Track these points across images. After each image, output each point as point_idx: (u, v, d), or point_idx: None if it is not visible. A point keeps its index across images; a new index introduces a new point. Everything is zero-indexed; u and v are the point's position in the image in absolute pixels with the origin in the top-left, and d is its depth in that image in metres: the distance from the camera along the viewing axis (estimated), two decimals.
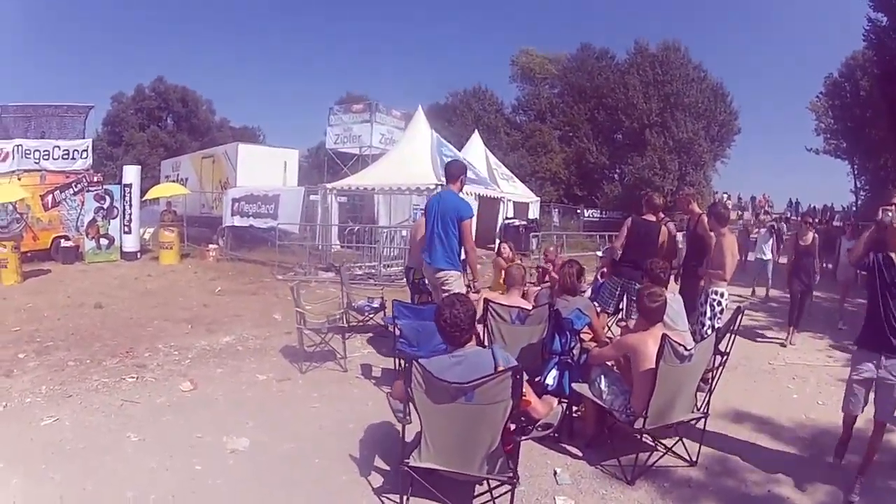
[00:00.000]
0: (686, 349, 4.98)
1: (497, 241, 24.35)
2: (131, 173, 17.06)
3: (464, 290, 6.90)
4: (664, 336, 4.84)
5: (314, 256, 17.15)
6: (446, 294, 6.78)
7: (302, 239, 17.63)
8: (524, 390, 3.96)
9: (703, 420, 5.48)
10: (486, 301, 6.28)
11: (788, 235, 27.44)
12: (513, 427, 3.95)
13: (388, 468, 4.78)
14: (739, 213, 54.32)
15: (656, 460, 5.33)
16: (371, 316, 9.23)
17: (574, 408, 5.89)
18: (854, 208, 43.06)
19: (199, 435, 5.16)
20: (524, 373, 3.93)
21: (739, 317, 6.40)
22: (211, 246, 18.29)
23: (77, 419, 5.35)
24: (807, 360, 9.38)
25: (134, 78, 63.92)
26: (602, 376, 5.50)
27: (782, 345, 9.86)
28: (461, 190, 7.35)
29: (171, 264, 15.91)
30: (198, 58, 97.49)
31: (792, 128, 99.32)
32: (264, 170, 23.76)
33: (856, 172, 42.69)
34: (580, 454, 5.43)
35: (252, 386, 6.66)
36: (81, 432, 5.08)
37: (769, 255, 14.38)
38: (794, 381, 8.30)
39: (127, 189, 16.48)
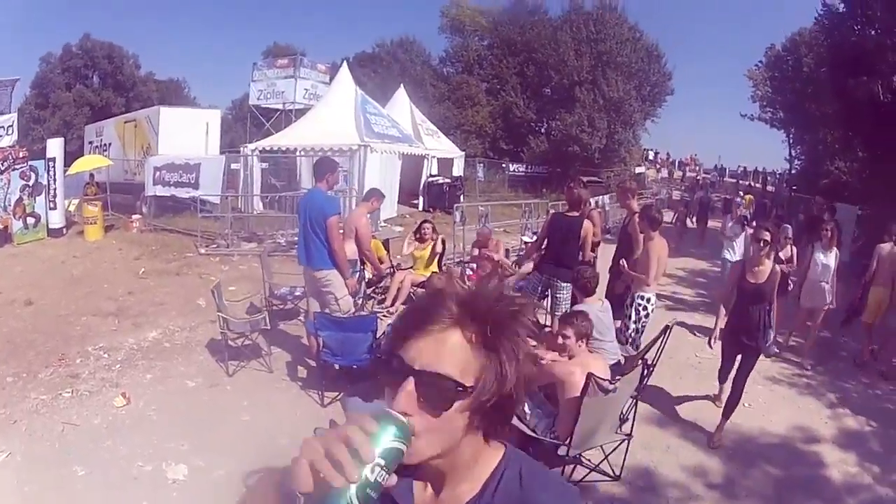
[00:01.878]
0: (611, 383, 5.01)
1: (420, 198, 25.08)
2: (55, 147, 16.68)
3: (345, 292, 7.14)
4: (589, 375, 4.83)
5: (237, 223, 17.15)
6: (330, 297, 7.11)
7: (224, 209, 17.53)
8: None
9: (627, 441, 5.59)
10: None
11: (717, 200, 28.21)
12: None
13: None
14: (669, 169, 55.80)
15: (581, 477, 5.41)
16: (294, 303, 9.45)
17: None
18: (787, 175, 44.44)
19: (140, 464, 5.26)
20: None
21: (667, 334, 6.50)
22: (134, 217, 18.17)
23: (26, 451, 5.43)
24: None
25: (63, 38, 61.54)
26: (526, 399, 5.39)
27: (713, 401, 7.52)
28: (331, 188, 7.41)
29: (96, 240, 15.82)
30: (124, 10, 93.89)
31: (726, 93, 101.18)
32: (187, 133, 23.34)
33: (791, 142, 43.72)
34: None
35: (183, 395, 6.78)
36: (33, 468, 5.16)
37: (737, 257, 10.81)
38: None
39: (51, 163, 16.17)
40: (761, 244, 6.26)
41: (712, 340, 6.61)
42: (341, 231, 7.52)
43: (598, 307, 6.45)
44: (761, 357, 7.47)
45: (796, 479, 5.88)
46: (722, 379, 7.01)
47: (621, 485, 5.48)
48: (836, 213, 14.24)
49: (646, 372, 5.83)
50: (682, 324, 10.39)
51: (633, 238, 7.90)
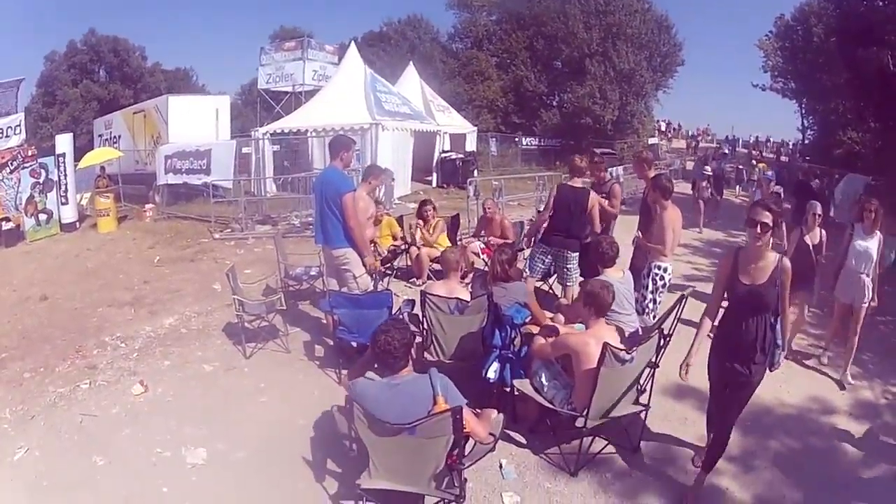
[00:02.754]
0: (628, 353, 4.90)
1: (434, 174, 25.11)
2: (64, 142, 16.60)
3: (362, 270, 7.10)
4: (605, 344, 4.73)
5: (250, 206, 17.07)
6: (348, 275, 7.10)
7: (237, 194, 17.51)
8: (465, 420, 3.96)
9: (644, 412, 5.52)
10: (423, 293, 6.28)
11: (730, 170, 27.82)
12: (455, 453, 4.00)
13: (340, 470, 4.91)
14: (688, 141, 55.41)
15: (599, 450, 5.41)
16: (310, 283, 9.37)
17: (517, 391, 5.76)
18: (800, 145, 44.10)
19: (158, 450, 5.27)
20: (462, 400, 4.05)
21: (683, 303, 6.23)
22: (147, 206, 18.14)
23: (45, 446, 5.41)
24: None
25: (68, 35, 61.83)
26: (543, 369, 5.50)
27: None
28: (346, 166, 7.33)
29: (110, 231, 15.80)
30: (127, 4, 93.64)
31: (738, 63, 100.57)
32: (196, 120, 23.23)
33: (803, 112, 43.33)
34: (524, 442, 5.55)
35: (200, 380, 6.76)
36: (52, 462, 5.14)
37: None
38: None
39: (61, 159, 16.10)
40: (758, 229, 4.38)
41: (684, 371, 4.97)
42: None
43: (617, 278, 6.27)
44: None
45: (813, 450, 5.88)
46: (710, 425, 5.41)
47: (640, 457, 5.49)
48: (823, 180, 14.20)
49: (662, 342, 5.70)
50: (699, 294, 10.16)
51: (653, 209, 7.68)
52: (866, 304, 7.50)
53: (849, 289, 7.53)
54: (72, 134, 18.28)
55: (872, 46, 18.26)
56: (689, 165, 32.02)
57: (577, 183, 8.05)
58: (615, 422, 5.38)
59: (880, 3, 19.16)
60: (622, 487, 5.06)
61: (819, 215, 7.93)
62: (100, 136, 28.72)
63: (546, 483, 5.03)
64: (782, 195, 13.70)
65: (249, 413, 5.99)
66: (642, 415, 5.58)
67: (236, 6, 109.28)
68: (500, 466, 5.15)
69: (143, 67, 49.07)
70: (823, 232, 7.93)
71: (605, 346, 4.73)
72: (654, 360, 5.61)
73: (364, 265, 7.12)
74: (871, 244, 7.37)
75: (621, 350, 4.89)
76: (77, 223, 16.45)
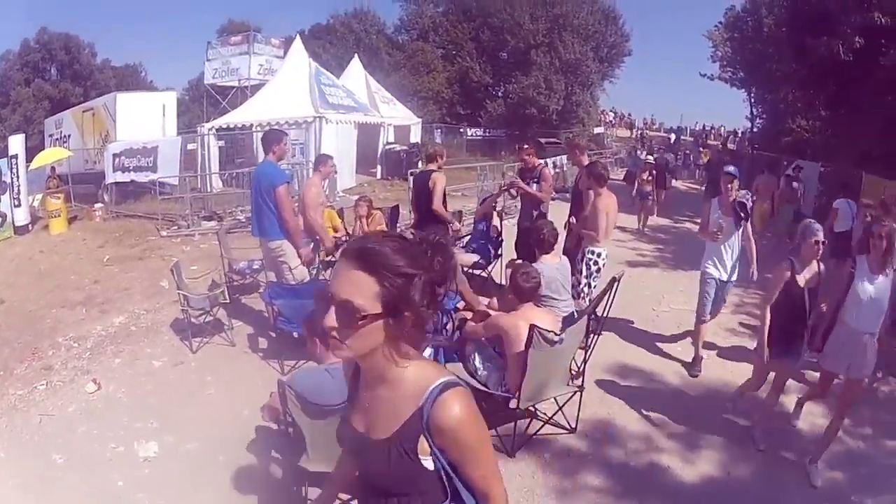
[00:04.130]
0: (556, 335, 4.99)
1: (378, 167, 25.28)
2: (16, 143, 16.63)
3: (298, 261, 7.29)
4: (532, 326, 4.82)
5: (196, 203, 17.31)
6: (285, 266, 7.27)
7: (183, 190, 17.72)
8: None
9: (579, 393, 5.60)
10: None
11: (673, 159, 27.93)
12: None
13: (283, 457, 5.09)
14: (629, 129, 56.08)
15: (536, 430, 5.57)
16: (253, 277, 9.65)
17: None
18: (749, 133, 44.97)
19: (113, 445, 5.47)
20: None
21: (616, 285, 6.64)
22: (97, 205, 18.25)
23: (8, 447, 5.60)
24: (692, 307, 7.83)
25: (22, 34, 60.89)
26: (476, 353, 5.58)
27: None
28: (280, 159, 7.49)
29: (61, 233, 15.91)
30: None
31: (686, 53, 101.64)
32: (144, 117, 23.40)
33: (752, 101, 44.13)
34: None
35: (150, 376, 6.98)
36: (14, 463, 5.33)
37: (724, 273, 7.14)
38: (678, 329, 8.44)
39: (13, 161, 16.12)
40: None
41: (764, 352, 5.39)
42: (294, 202, 7.67)
43: (554, 264, 6.43)
44: (723, 307, 7.83)
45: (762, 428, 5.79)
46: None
47: (578, 437, 5.62)
48: (730, 164, 14.62)
49: (594, 324, 6.08)
50: (638, 276, 10.77)
51: (585, 195, 7.89)
52: (866, 377, 5.62)
53: (843, 353, 5.26)
54: (24, 135, 18.27)
55: (823, 36, 18.64)
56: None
57: (431, 166, 8.54)
58: (552, 404, 5.63)
59: None
60: (561, 467, 5.19)
61: (822, 243, 5.40)
62: (50, 135, 28.70)
63: None
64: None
65: (197, 406, 6.23)
66: (577, 396, 5.65)
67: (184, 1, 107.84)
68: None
69: (93, 64, 48.49)
70: (822, 267, 5.45)
71: (532, 328, 4.83)
72: (586, 341, 5.91)
73: (299, 256, 7.31)
74: (883, 287, 5.14)
75: (549, 332, 4.96)
76: (30, 225, 16.49)
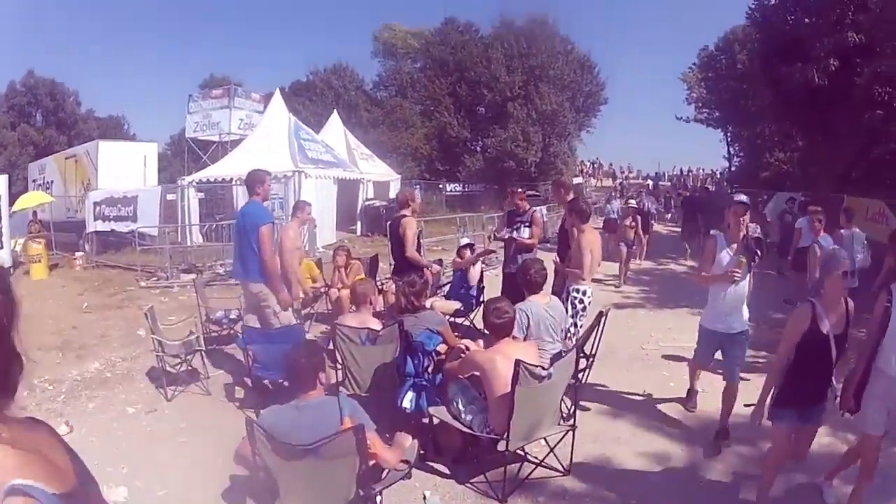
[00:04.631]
0: (544, 369, 4.87)
1: (358, 223, 25.30)
2: None
3: (279, 308, 7.19)
4: (518, 362, 4.63)
5: (176, 256, 17.37)
6: (269, 311, 7.15)
7: (162, 241, 17.86)
8: (371, 443, 3.89)
9: (571, 432, 5.43)
10: (335, 324, 6.23)
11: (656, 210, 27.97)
12: (366, 473, 3.96)
13: None
14: (610, 178, 56.59)
15: (528, 474, 5.35)
16: (230, 328, 9.54)
17: (436, 421, 5.60)
18: (727, 173, 45.63)
19: None
20: (369, 423, 4.01)
21: (603, 320, 6.54)
22: (77, 254, 18.46)
23: None
24: (682, 343, 8.80)
25: (9, 74, 61.61)
26: (459, 395, 5.39)
27: None
28: (265, 199, 7.43)
29: (42, 279, 16.09)
30: (64, 45, 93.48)
31: (661, 96, 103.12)
32: (125, 166, 23.79)
33: (729, 140, 44.91)
34: (448, 472, 5.44)
35: (123, 422, 6.92)
36: None
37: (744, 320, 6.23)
38: (669, 366, 8.46)
39: None
40: (845, 278, 4.41)
41: (759, 418, 4.65)
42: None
43: (543, 304, 6.27)
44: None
45: (764, 455, 5.43)
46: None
47: (573, 479, 5.39)
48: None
49: (584, 360, 6.07)
50: (627, 318, 10.80)
51: (571, 234, 7.75)
52: None
53: (884, 410, 4.35)
54: (7, 176, 18.49)
55: (797, 63, 18.91)
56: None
57: (403, 212, 8.50)
58: (542, 444, 5.45)
59: (805, 20, 19.81)
60: None
61: (850, 275, 4.92)
62: (34, 181, 29.02)
63: None
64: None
65: (170, 453, 6.11)
66: (570, 437, 5.46)
67: (168, 55, 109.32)
68: (424, 498, 5.05)
69: (77, 113, 48.96)
70: (851, 305, 4.54)
71: (518, 363, 4.62)
72: (575, 377, 5.75)
73: (277, 300, 7.18)
74: None
75: (536, 367, 4.81)
76: (11, 269, 16.49)
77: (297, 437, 3.81)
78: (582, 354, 6.12)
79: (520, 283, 6.56)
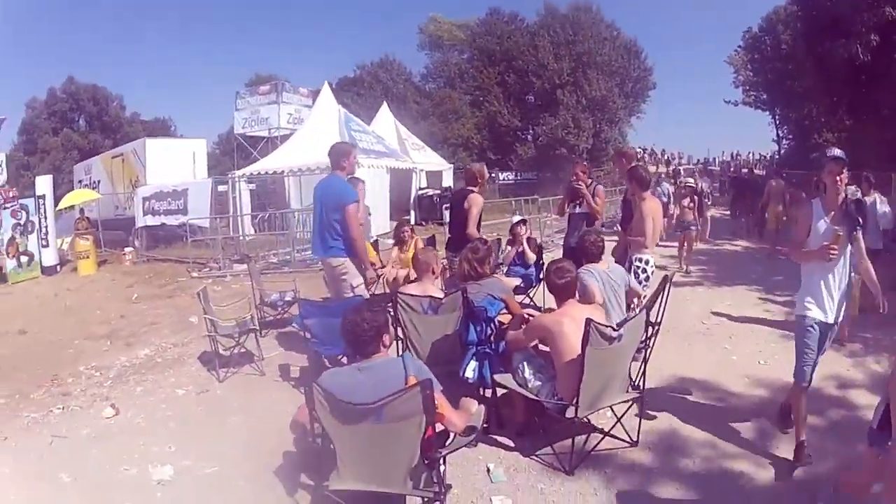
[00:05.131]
0: (614, 330, 4.65)
1: (412, 212, 25.04)
2: (43, 184, 16.79)
3: (361, 280, 6.82)
4: (588, 321, 4.45)
5: (228, 248, 17.25)
6: (346, 285, 6.76)
7: (214, 232, 17.77)
8: (438, 403, 3.61)
9: (639, 400, 5.30)
10: (396, 293, 6.02)
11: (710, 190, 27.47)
12: (431, 438, 3.67)
13: (313, 483, 4.49)
14: (665, 165, 55.65)
15: (595, 445, 5.10)
16: (285, 310, 9.32)
17: (499, 394, 5.55)
18: (777, 156, 44.69)
19: (125, 467, 5.17)
20: (436, 382, 3.59)
21: (668, 285, 6.21)
22: (127, 249, 18.37)
23: (15, 465, 5.36)
24: (742, 317, 9.16)
25: (47, 81, 62.98)
26: (525, 363, 5.19)
27: None
28: (351, 173, 7.17)
29: (90, 274, 15.98)
30: (105, 51, 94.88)
31: (709, 81, 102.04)
32: (174, 163, 23.65)
33: (777, 122, 44.23)
34: (512, 445, 5.24)
35: (172, 403, 6.69)
36: (21, 480, 5.09)
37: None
38: (731, 340, 8.19)
39: (41, 201, 16.26)
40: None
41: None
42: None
43: (603, 269, 6.18)
44: (772, 316, 7.84)
45: (834, 424, 5.57)
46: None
47: (641, 450, 5.15)
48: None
49: (650, 328, 5.60)
50: (686, 296, 10.50)
51: (633, 205, 7.54)
52: None
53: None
54: (51, 176, 18.66)
55: (841, 39, 18.65)
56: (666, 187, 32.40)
57: (470, 187, 8.02)
58: (609, 417, 5.27)
59: None
60: (626, 483, 4.74)
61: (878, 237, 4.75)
62: (80, 181, 29.25)
63: (539, 484, 4.70)
64: None
65: (220, 432, 5.88)
66: (637, 407, 5.38)
67: (213, 55, 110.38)
68: (489, 471, 4.84)
69: (122, 117, 50.03)
70: None
71: (589, 322, 4.45)
72: (644, 342, 5.44)
73: (364, 279, 6.92)
74: None
75: (607, 327, 4.64)
76: (58, 266, 16.61)
77: (360, 398, 3.53)
78: (648, 323, 5.52)
79: (579, 256, 6.32)
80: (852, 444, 4.97)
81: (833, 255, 4.58)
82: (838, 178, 4.67)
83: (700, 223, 15.81)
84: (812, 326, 4.89)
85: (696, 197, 15.23)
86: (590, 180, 8.79)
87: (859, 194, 5.92)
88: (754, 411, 5.90)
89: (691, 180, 17.20)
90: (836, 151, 4.92)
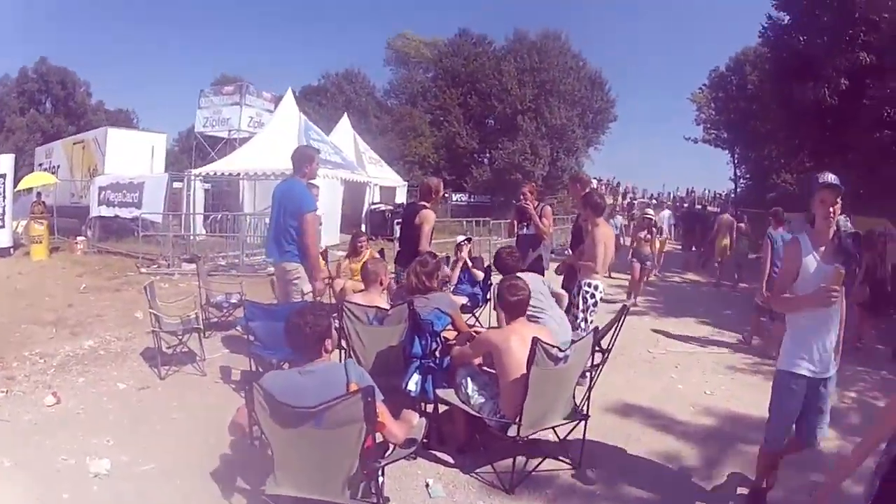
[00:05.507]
0: (561, 350, 4.62)
1: (363, 225, 24.68)
2: (5, 163, 16.75)
3: (310, 287, 6.85)
4: (535, 339, 4.45)
5: (178, 247, 17.30)
6: (296, 290, 6.81)
7: (166, 229, 17.84)
8: (379, 412, 3.61)
9: (583, 422, 5.21)
10: (342, 301, 6.04)
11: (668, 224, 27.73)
12: (370, 448, 3.67)
13: (249, 487, 4.45)
14: (620, 196, 56.35)
15: (536, 465, 5.12)
16: (230, 312, 9.44)
17: (441, 411, 5.59)
18: (733, 195, 45.74)
19: (64, 457, 5.21)
20: (377, 391, 3.59)
21: (624, 315, 6.16)
22: (79, 238, 18.42)
23: None
24: (689, 348, 9.46)
25: (22, 60, 62.07)
26: (469, 379, 5.21)
27: None
28: (312, 178, 7.18)
29: (41, 259, 16.10)
30: (79, 35, 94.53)
31: (670, 117, 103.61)
32: (133, 155, 23.74)
33: (736, 162, 45.19)
34: (453, 461, 5.24)
35: (113, 397, 6.71)
36: None
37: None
38: (677, 369, 8.40)
39: (1, 180, 16.28)
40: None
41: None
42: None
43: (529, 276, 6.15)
44: (719, 349, 8.49)
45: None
46: None
47: (582, 473, 5.14)
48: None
49: (599, 355, 5.66)
50: (633, 324, 10.29)
51: (585, 230, 7.57)
52: None
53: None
54: (13, 155, 18.43)
55: (809, 82, 19.02)
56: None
57: (422, 202, 8.07)
58: (552, 436, 5.28)
59: (818, 40, 19.87)
60: None
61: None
62: (40, 164, 29.27)
63: (479, 502, 4.75)
64: None
65: (159, 430, 5.93)
66: (581, 429, 5.26)
67: (182, 52, 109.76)
68: (427, 486, 4.85)
69: (87, 104, 49.70)
70: None
71: (536, 341, 4.44)
72: (591, 365, 5.45)
73: (313, 287, 6.92)
74: None
75: (554, 347, 4.59)
76: (11, 249, 16.67)
77: (300, 401, 3.52)
78: (598, 349, 5.74)
79: (498, 270, 6.69)
80: (806, 473, 5.20)
81: (835, 298, 3.98)
82: (832, 208, 4.10)
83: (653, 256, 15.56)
84: (797, 384, 4.25)
85: (653, 229, 14.85)
86: (537, 202, 8.96)
87: (850, 225, 5.37)
88: (700, 439, 6.06)
89: (651, 211, 16.23)
90: (830, 177, 4.13)
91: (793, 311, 4.35)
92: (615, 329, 6.10)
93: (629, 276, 13.73)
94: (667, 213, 20.61)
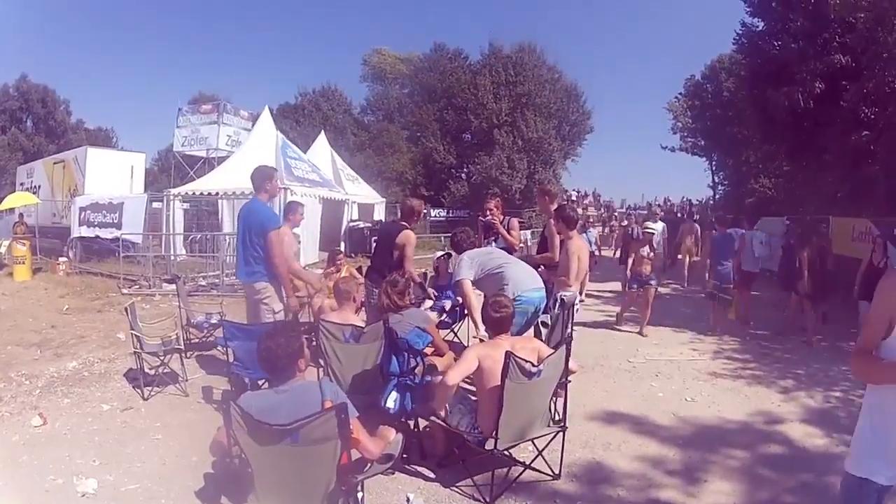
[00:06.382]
0: (533, 365, 4.66)
1: (342, 243, 24.97)
2: None
3: (281, 307, 6.84)
4: (508, 353, 4.51)
5: (159, 267, 17.48)
6: (267, 310, 6.78)
7: (146, 249, 18.00)
8: (353, 428, 3.66)
9: (561, 433, 5.27)
10: (318, 320, 6.15)
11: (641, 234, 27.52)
12: (346, 464, 3.67)
13: None
14: (602, 208, 56.19)
15: (516, 476, 5.13)
16: (211, 332, 9.45)
17: (421, 426, 5.60)
18: (711, 202, 46.13)
19: (52, 477, 5.30)
20: (351, 408, 3.63)
21: (571, 311, 6.43)
22: (61, 259, 18.56)
23: None
24: (669, 356, 9.45)
25: (3, 76, 61.89)
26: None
27: None
28: (273, 196, 7.21)
29: (25, 280, 16.30)
30: (59, 53, 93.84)
31: (647, 126, 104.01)
32: (112, 175, 23.77)
33: (714, 168, 45.55)
34: (433, 476, 5.27)
35: (97, 418, 6.82)
36: None
37: None
38: (657, 378, 8.40)
39: None
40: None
41: None
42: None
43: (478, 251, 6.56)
44: (700, 356, 8.56)
45: (766, 456, 5.76)
46: None
47: (564, 482, 5.21)
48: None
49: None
50: (608, 336, 10.79)
51: (550, 241, 7.74)
52: None
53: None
54: None
55: (784, 87, 19.00)
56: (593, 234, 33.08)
57: (402, 222, 7.93)
58: (531, 449, 5.32)
59: (793, 45, 19.79)
60: None
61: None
62: (21, 184, 29.03)
63: None
64: None
65: (143, 450, 5.98)
66: (560, 440, 5.33)
67: (160, 71, 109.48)
68: (408, 500, 4.89)
69: (68, 123, 49.60)
70: None
71: (509, 355, 4.49)
72: (565, 377, 5.35)
73: (285, 304, 6.90)
74: None
75: (526, 362, 4.63)
76: None
77: (276, 419, 3.53)
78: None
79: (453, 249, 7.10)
80: (786, 474, 5.35)
81: None
82: None
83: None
84: (871, 495, 2.91)
85: (653, 247, 11.97)
86: (503, 216, 9.06)
87: None
88: (681, 445, 6.07)
89: (652, 225, 13.04)
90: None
91: (878, 382, 2.92)
92: (565, 326, 6.45)
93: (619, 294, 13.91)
94: (660, 225, 19.05)
